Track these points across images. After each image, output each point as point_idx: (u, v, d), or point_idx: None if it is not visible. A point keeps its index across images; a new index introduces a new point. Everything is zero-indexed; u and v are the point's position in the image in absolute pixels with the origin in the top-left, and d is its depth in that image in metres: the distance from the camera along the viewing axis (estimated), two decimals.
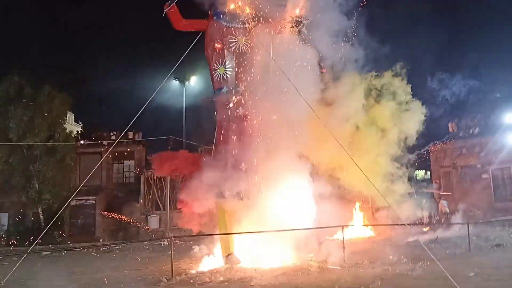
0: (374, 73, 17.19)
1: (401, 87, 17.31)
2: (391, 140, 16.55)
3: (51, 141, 25.44)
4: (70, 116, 34.19)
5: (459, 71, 20.57)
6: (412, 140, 17.19)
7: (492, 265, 10.24)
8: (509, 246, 13.15)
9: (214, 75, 13.78)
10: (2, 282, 10.84)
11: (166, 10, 13.13)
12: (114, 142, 26.06)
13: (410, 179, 18.10)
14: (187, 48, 13.34)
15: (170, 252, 11.56)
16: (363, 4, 14.46)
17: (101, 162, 28.29)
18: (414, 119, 16.92)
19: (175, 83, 30.06)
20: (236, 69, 13.59)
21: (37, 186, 24.88)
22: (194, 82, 30.39)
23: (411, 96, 17.35)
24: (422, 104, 17.31)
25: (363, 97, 16.58)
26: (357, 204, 18.41)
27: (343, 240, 11.98)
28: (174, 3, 13.14)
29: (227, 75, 13.55)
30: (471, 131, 23.93)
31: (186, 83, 30.08)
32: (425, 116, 17.08)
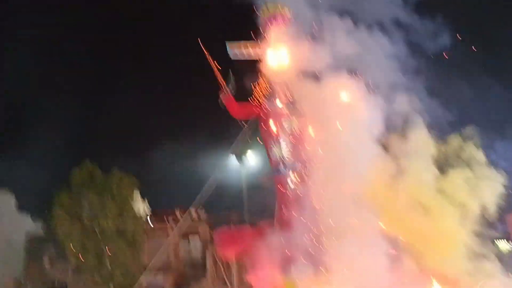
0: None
1: (473, 153, 16.29)
2: (470, 211, 15.43)
3: (121, 220, 26.61)
4: (136, 193, 35.70)
5: None
6: (491, 212, 15.89)
7: None
8: None
9: (271, 155, 14.38)
10: None
11: (222, 100, 14.13)
12: (181, 220, 27.09)
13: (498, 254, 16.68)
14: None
15: None
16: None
17: (167, 240, 29.31)
18: (492, 188, 15.80)
19: (233, 158, 30.76)
20: (292, 149, 14.12)
21: (109, 265, 25.79)
22: (251, 156, 30.94)
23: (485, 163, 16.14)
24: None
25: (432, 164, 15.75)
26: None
27: None
28: (229, 93, 14.13)
29: (283, 155, 14.09)
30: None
31: (244, 157, 30.72)
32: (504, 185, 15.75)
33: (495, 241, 17.81)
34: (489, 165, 16.24)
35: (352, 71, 14.05)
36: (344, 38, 14.06)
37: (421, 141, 15.58)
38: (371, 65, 13.91)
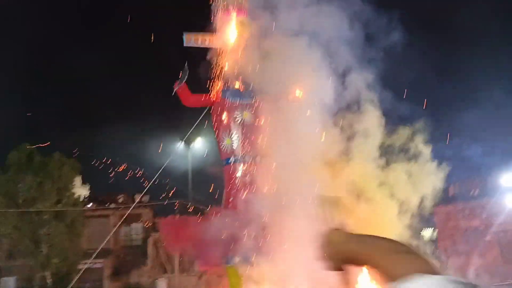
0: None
1: (420, 147, 16.84)
2: (407, 205, 16.28)
3: (60, 205, 25.98)
4: (78, 178, 34.90)
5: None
6: (426, 205, 16.86)
7: None
8: None
9: (221, 146, 14.54)
10: None
11: (175, 89, 14.11)
12: (123, 206, 26.76)
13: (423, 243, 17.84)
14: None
15: None
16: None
17: (109, 225, 28.82)
18: (432, 183, 16.58)
19: (180, 145, 30.84)
20: (242, 139, 14.36)
21: (45, 250, 25.12)
22: (200, 144, 31.19)
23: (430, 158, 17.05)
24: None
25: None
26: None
27: None
28: (183, 82, 14.14)
29: (234, 146, 14.30)
30: (470, 193, 24.28)
31: (192, 145, 30.86)
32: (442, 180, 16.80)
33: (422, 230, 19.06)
34: (433, 160, 16.95)
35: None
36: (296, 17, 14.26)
37: (371, 127, 16.05)
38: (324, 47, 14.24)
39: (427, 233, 26.35)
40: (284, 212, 13.35)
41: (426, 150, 17.01)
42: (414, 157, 16.93)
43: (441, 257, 20.74)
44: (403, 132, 17.41)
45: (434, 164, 16.77)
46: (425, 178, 16.49)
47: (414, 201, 16.23)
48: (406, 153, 17.16)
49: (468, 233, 24.04)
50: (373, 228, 15.17)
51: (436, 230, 26.09)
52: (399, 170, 16.72)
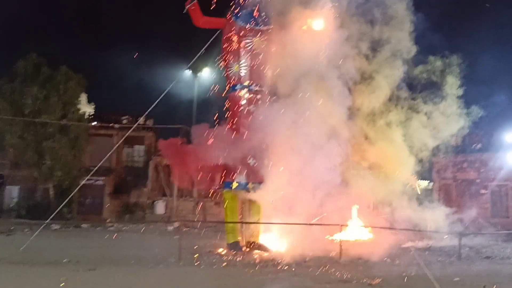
0: None
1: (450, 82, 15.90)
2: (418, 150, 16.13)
3: (64, 120, 26.20)
4: (83, 97, 34.96)
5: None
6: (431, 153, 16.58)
7: (477, 273, 10.82)
8: (497, 259, 13.70)
9: (229, 72, 14.43)
10: (21, 249, 11.72)
11: (187, 7, 13.80)
12: (126, 126, 26.95)
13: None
14: (203, 41, 14.08)
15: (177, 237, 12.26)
16: None
17: (112, 145, 29.23)
18: (450, 129, 15.94)
19: (188, 73, 30.58)
20: (251, 68, 14.22)
21: (49, 162, 25.62)
22: (207, 73, 30.88)
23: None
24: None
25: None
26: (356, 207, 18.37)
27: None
28: (195, 1, 13.80)
29: (242, 73, 14.19)
30: (473, 147, 24.29)
31: (199, 74, 30.59)
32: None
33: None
34: (458, 101, 16.16)
35: None
36: None
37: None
38: None
39: (424, 182, 26.67)
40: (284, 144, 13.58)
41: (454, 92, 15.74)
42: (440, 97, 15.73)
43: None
44: (435, 64, 16.09)
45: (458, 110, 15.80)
46: (444, 125, 15.71)
47: (427, 147, 15.86)
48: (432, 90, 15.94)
49: (463, 185, 24.45)
50: (381, 167, 15.43)
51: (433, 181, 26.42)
52: (420, 110, 15.73)
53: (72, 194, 17.77)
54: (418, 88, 16.50)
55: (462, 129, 16.38)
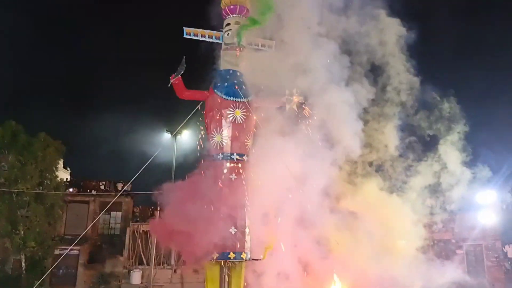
0: None
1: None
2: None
3: (41, 187, 25.83)
4: (60, 163, 34.70)
5: None
6: None
7: None
8: None
9: (211, 142, 14.84)
10: None
11: (172, 81, 14.39)
12: (103, 193, 26.77)
13: None
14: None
15: None
16: None
17: (88, 212, 28.79)
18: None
19: (167, 135, 30.64)
20: (232, 137, 14.67)
21: (22, 233, 24.95)
22: (187, 136, 31.06)
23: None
24: None
25: None
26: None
27: None
28: (179, 75, 14.42)
29: (223, 143, 14.61)
30: (446, 208, 24.95)
31: (178, 137, 30.76)
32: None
33: None
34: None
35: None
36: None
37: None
38: None
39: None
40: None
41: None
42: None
43: None
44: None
45: None
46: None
47: None
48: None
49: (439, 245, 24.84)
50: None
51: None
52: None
53: (49, 271, 17.18)
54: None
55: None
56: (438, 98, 17.77)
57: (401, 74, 16.97)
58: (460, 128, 17.94)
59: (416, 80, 17.23)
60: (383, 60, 17.23)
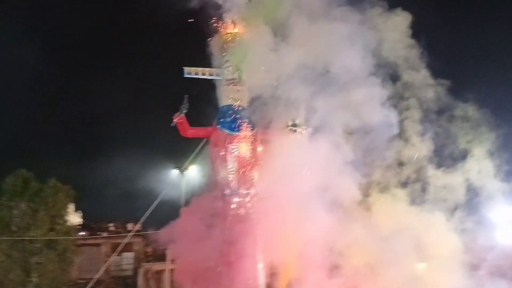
0: None
1: None
2: None
3: (52, 233, 25.81)
4: (71, 207, 34.78)
5: None
6: None
7: None
8: None
9: (217, 178, 14.95)
10: None
11: (175, 120, 14.64)
12: (115, 235, 26.75)
13: None
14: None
15: None
16: None
17: (100, 254, 28.66)
18: None
19: (174, 172, 30.49)
20: (238, 172, 14.77)
21: (36, 280, 24.80)
22: (194, 172, 30.89)
23: None
24: None
25: None
26: None
27: None
28: (182, 114, 14.68)
29: (229, 178, 14.71)
30: None
31: (185, 172, 30.56)
32: None
33: None
34: None
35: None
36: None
37: None
38: None
39: None
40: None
41: None
42: None
43: None
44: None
45: None
46: None
47: None
48: None
49: None
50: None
51: None
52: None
53: None
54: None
55: None
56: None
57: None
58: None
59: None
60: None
